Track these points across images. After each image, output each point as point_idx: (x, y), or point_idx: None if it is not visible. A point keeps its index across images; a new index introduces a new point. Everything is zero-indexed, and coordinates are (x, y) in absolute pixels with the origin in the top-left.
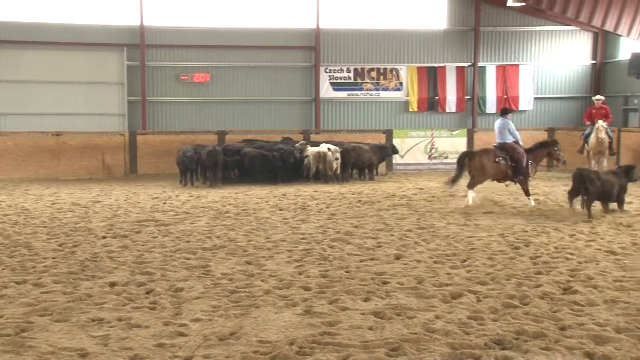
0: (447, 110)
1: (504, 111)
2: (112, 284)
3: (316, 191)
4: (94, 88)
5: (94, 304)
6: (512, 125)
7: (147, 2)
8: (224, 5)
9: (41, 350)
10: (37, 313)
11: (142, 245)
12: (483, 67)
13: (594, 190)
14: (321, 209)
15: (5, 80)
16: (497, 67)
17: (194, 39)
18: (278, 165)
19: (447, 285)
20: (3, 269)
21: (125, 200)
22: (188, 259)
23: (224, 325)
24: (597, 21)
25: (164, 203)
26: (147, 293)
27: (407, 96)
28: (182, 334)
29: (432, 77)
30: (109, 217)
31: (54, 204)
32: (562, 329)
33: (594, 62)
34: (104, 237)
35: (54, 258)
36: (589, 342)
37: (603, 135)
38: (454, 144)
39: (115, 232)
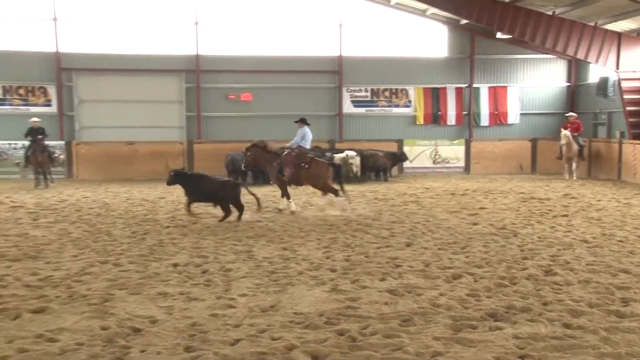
0: (448, 123)
1: (303, 120)
2: (175, 265)
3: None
4: (159, 106)
5: (160, 280)
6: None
7: (202, 36)
8: (264, 37)
9: (120, 316)
10: (116, 287)
11: (199, 234)
12: (477, 88)
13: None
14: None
15: (88, 100)
16: (489, 87)
17: (240, 65)
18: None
19: (449, 268)
20: (89, 252)
21: (184, 197)
22: (235, 245)
23: (265, 299)
24: (570, 51)
25: None
26: (203, 272)
27: (415, 111)
28: (231, 306)
29: (435, 96)
30: (172, 211)
31: (128, 199)
32: (545, 304)
33: (569, 84)
34: (167, 227)
35: (128, 243)
36: (567, 315)
37: (563, 141)
38: (454, 151)
39: (177, 222)
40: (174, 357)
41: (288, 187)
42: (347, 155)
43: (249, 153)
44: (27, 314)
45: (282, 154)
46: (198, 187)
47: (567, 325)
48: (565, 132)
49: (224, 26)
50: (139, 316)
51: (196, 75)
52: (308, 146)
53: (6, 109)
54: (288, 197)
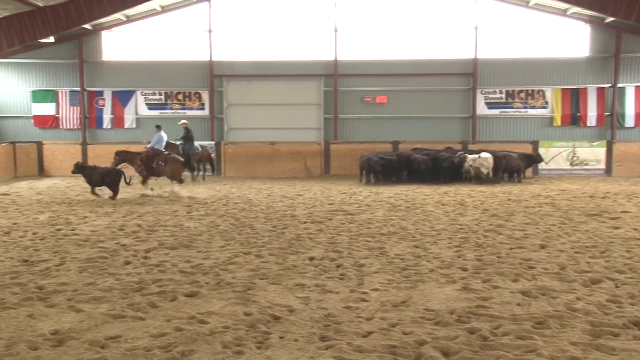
0: (588, 124)
1: (159, 127)
2: (311, 258)
3: (472, 191)
4: (299, 108)
5: (298, 272)
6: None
7: (340, 42)
8: (398, 41)
9: (261, 304)
10: (258, 277)
11: (334, 230)
12: (623, 88)
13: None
14: (476, 205)
15: (236, 104)
16: (637, 87)
17: (375, 69)
18: (426, 168)
19: (587, 272)
20: (235, 243)
21: (321, 194)
22: (368, 241)
23: (396, 295)
24: None
25: (350, 197)
26: (337, 267)
27: (552, 113)
28: (364, 300)
29: (574, 97)
30: (309, 207)
31: (269, 195)
32: None
33: None
34: (305, 222)
35: (269, 236)
36: None
37: None
38: (594, 153)
39: (314, 218)
40: (310, 345)
41: (148, 178)
42: (471, 158)
43: (117, 157)
44: (182, 297)
45: (141, 155)
46: (92, 176)
47: None
48: None
49: (361, 32)
50: (278, 305)
51: (334, 79)
52: (162, 147)
53: (167, 112)
54: (144, 185)
